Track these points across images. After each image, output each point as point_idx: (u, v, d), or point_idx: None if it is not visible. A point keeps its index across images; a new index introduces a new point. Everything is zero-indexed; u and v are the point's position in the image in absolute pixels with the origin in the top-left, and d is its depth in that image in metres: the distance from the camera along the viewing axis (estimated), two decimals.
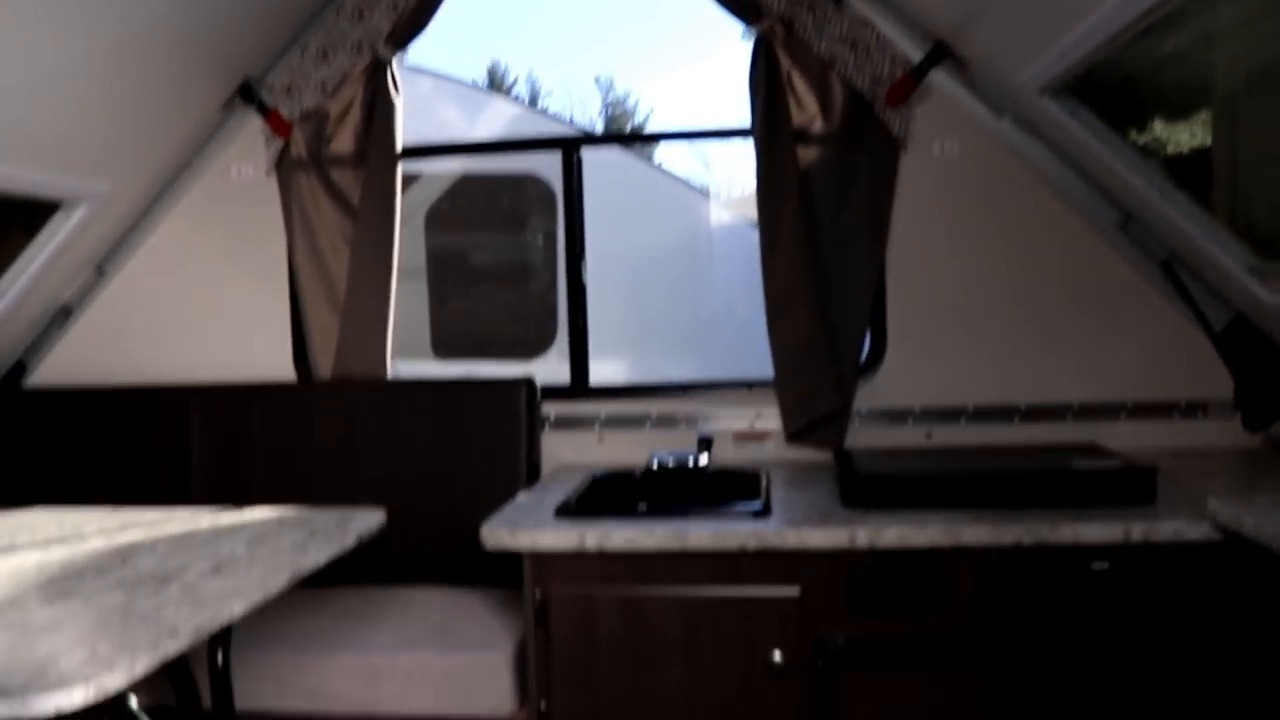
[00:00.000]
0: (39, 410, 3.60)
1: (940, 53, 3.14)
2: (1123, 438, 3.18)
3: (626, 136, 19.05)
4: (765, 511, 2.59)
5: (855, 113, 3.22)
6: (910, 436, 3.34)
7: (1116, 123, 2.94)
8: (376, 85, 3.44)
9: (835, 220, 3.25)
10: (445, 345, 6.16)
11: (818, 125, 3.25)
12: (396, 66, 3.48)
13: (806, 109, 3.25)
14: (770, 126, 3.23)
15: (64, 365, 3.72)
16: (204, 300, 3.67)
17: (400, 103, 3.48)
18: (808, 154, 3.25)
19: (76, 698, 1.52)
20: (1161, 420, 3.26)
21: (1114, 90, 2.99)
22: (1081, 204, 3.23)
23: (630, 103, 27.78)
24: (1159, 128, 3.32)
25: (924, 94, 3.23)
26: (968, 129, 3.26)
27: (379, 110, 3.45)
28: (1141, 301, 3.23)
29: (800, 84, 3.23)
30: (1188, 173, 3.08)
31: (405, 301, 3.60)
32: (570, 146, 3.59)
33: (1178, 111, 3.33)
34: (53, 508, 2.94)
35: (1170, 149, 3.29)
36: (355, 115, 3.47)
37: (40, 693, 1.50)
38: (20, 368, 3.74)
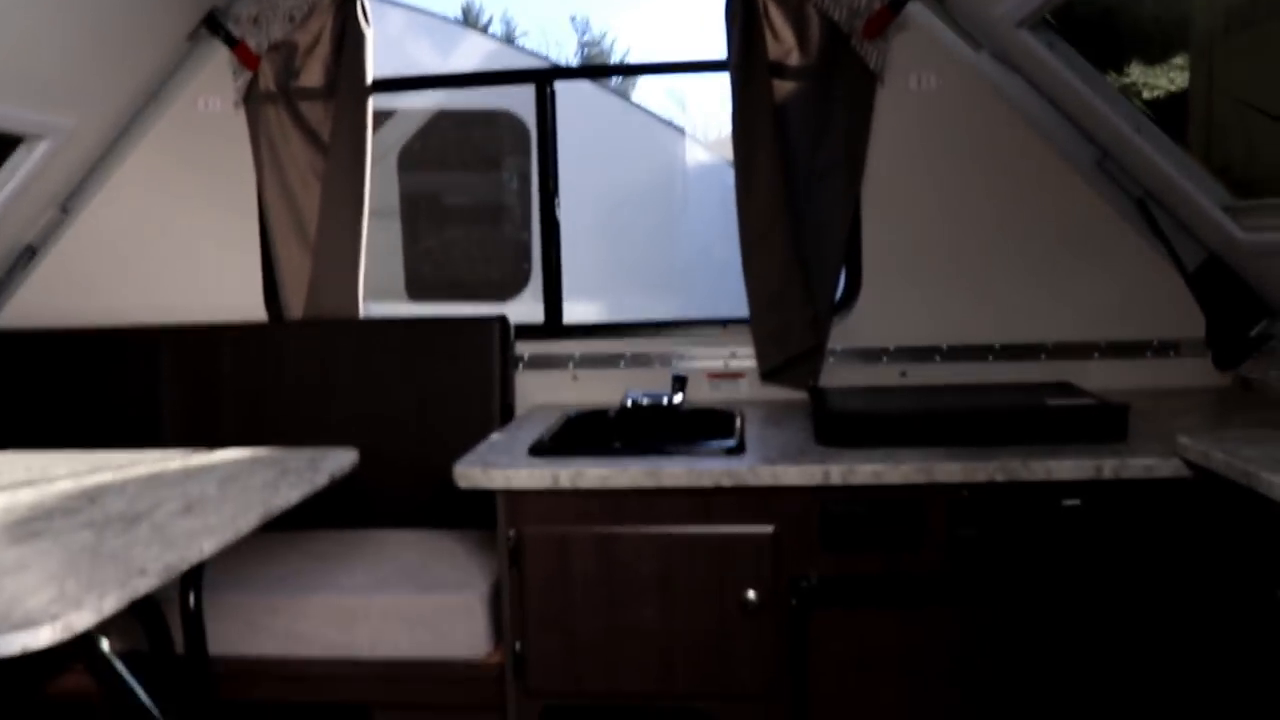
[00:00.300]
0: (3, 353, 3.53)
1: None
2: (1096, 376, 3.19)
3: (601, 69, 18.84)
4: (739, 449, 2.59)
5: (832, 45, 3.17)
6: (885, 375, 3.34)
7: (1094, 64, 2.91)
8: (346, 16, 3.36)
9: (811, 156, 3.22)
10: (419, 287, 6.10)
11: (794, 58, 3.20)
12: None
13: (783, 41, 3.20)
14: (746, 59, 3.18)
15: (29, 307, 3.65)
16: (172, 238, 3.60)
17: (371, 34, 3.40)
18: (784, 88, 3.21)
19: (43, 637, 1.50)
20: (1134, 359, 3.27)
21: (1092, 26, 2.97)
22: (1058, 140, 3.20)
23: (607, 43, 27.48)
24: (1136, 71, 3.31)
25: (901, 26, 3.18)
26: (945, 62, 3.23)
27: (349, 41, 3.37)
28: (1116, 241, 3.23)
29: (777, 15, 3.18)
30: (1164, 117, 3.06)
31: (379, 243, 3.55)
32: (544, 79, 3.53)
33: (1155, 54, 3.31)
34: (19, 452, 2.90)
35: (1147, 94, 3.28)
36: (324, 47, 3.39)
37: (6, 633, 1.48)
38: None
